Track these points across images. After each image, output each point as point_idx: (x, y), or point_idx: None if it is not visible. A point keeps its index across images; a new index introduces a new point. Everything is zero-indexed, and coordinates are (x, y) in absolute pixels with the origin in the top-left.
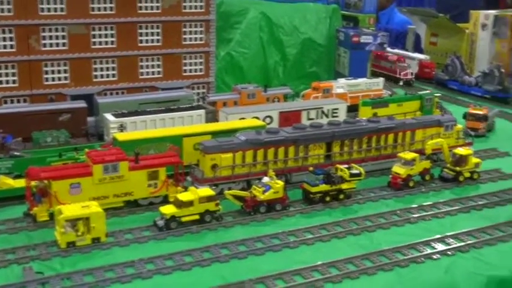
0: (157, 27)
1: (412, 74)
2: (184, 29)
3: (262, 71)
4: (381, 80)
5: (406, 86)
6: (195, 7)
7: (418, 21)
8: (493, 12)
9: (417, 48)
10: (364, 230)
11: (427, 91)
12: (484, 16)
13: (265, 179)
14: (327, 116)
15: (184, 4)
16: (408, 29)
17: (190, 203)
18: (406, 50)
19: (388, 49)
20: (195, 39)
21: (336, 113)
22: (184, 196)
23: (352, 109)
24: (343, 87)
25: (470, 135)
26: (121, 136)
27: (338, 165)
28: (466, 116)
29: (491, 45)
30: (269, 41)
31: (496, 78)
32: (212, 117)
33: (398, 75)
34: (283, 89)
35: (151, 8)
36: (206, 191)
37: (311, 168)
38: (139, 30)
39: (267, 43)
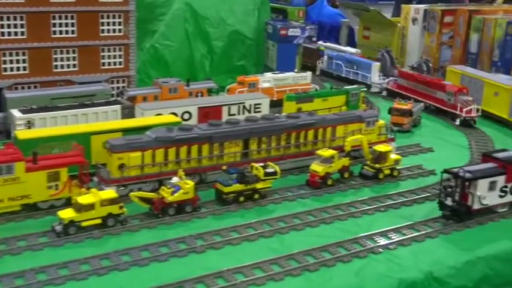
0: (72, 18)
1: (478, 110)
2: (101, 20)
3: (188, 64)
4: (309, 73)
5: (467, 128)
6: None
7: (351, 14)
8: (423, 6)
9: (351, 42)
10: (277, 232)
11: (354, 86)
12: (414, 10)
13: (175, 179)
14: (249, 111)
15: None
16: (341, 23)
17: (91, 206)
18: (339, 44)
19: (320, 42)
20: (114, 30)
21: (258, 108)
22: (84, 199)
23: (279, 104)
24: (270, 82)
25: (393, 130)
26: (22, 134)
27: (253, 164)
28: (390, 111)
29: (421, 40)
30: (195, 34)
31: (424, 72)
32: (129, 113)
33: (458, 112)
34: (207, 83)
35: None
36: (109, 193)
37: (224, 167)
38: (53, 21)
39: (192, 35)
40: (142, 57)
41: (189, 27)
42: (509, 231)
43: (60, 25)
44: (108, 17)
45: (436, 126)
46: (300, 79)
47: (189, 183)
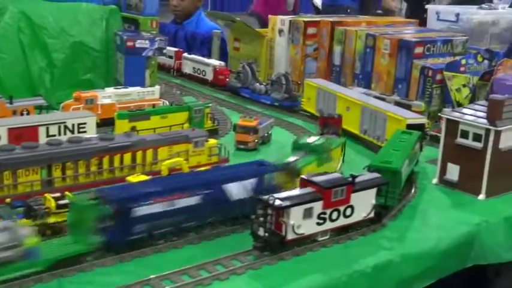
0: None
1: None
2: None
3: (25, 79)
4: (157, 88)
5: None
6: None
7: (223, 25)
8: (288, 17)
9: (224, 54)
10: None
11: (200, 101)
12: (280, 21)
13: None
14: (72, 131)
15: None
16: (213, 34)
17: None
18: (207, 56)
19: (185, 55)
20: None
21: (83, 127)
22: None
23: None
24: (111, 97)
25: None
26: None
27: (46, 195)
28: (235, 128)
29: (288, 52)
30: (31, 45)
31: (283, 86)
32: None
33: None
34: (34, 100)
35: None
36: None
37: (8, 200)
38: None
39: (28, 47)
40: None
41: (24, 38)
42: (325, 263)
43: None
44: None
45: (286, 142)
46: (146, 94)
47: None
